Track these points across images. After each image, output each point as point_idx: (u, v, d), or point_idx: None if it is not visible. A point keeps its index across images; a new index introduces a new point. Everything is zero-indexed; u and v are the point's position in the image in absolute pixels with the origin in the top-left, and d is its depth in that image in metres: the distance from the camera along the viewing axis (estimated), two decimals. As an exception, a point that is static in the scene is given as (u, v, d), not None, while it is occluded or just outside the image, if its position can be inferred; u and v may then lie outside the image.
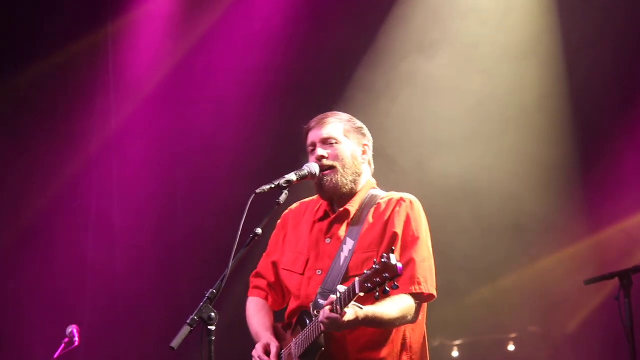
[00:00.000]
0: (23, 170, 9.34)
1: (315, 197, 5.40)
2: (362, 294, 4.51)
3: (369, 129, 5.35)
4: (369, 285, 4.47)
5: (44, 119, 9.33)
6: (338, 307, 4.60)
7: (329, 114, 5.31)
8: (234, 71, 9.17)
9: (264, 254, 5.53)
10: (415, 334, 5.07)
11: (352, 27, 8.89)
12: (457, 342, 8.81)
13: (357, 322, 4.69)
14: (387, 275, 4.44)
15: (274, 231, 5.51)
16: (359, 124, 5.32)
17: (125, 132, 9.34)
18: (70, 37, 9.29)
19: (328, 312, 4.62)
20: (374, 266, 4.48)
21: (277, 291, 5.45)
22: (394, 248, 4.61)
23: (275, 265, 5.42)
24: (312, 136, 5.25)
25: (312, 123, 5.28)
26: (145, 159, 9.31)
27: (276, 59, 9.08)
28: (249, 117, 9.07)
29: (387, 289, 4.46)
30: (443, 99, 8.71)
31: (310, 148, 5.25)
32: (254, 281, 5.54)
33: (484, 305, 8.64)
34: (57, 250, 9.27)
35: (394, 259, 4.45)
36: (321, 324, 4.69)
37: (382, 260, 4.47)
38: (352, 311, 4.64)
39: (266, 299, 5.45)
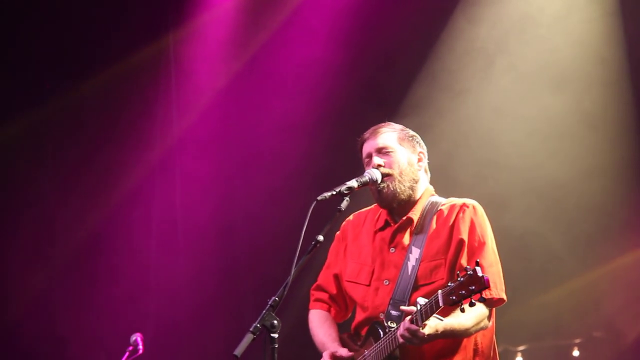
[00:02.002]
0: (88, 178, 9.43)
1: (372, 207, 5.41)
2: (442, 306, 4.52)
3: (426, 144, 5.35)
4: (454, 297, 4.46)
5: (107, 128, 9.43)
6: (419, 320, 4.59)
7: (381, 124, 5.31)
8: (294, 80, 9.17)
9: (324, 266, 5.53)
10: (486, 338, 5.06)
11: (411, 41, 8.84)
12: (521, 348, 8.73)
13: (436, 335, 4.68)
14: (473, 287, 4.42)
15: (333, 243, 5.50)
16: (412, 133, 5.32)
17: (186, 141, 9.39)
18: (134, 47, 9.37)
19: (408, 324, 4.61)
20: (459, 279, 4.46)
21: (340, 303, 5.44)
22: (478, 260, 4.57)
23: (337, 277, 5.41)
24: (367, 147, 5.25)
25: (366, 134, 5.29)
26: (206, 167, 9.35)
27: (335, 69, 9.05)
28: (308, 125, 9.05)
29: (474, 301, 4.44)
30: (502, 117, 8.63)
31: (367, 159, 5.25)
32: (315, 294, 5.53)
33: (547, 310, 8.56)
34: (121, 259, 9.34)
35: (479, 271, 4.42)
36: (400, 337, 4.68)
37: (468, 272, 4.45)
38: (433, 324, 4.63)
39: (328, 311, 5.44)
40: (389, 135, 5.22)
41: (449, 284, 4.49)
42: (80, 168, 9.45)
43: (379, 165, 5.14)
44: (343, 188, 4.93)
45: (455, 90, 8.75)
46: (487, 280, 4.42)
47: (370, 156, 5.22)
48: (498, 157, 8.60)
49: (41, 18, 9.27)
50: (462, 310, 4.52)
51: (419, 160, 5.25)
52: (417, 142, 5.29)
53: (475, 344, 5.02)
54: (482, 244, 5.00)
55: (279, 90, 9.21)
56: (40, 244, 9.38)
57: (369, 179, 5.07)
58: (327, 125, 9.02)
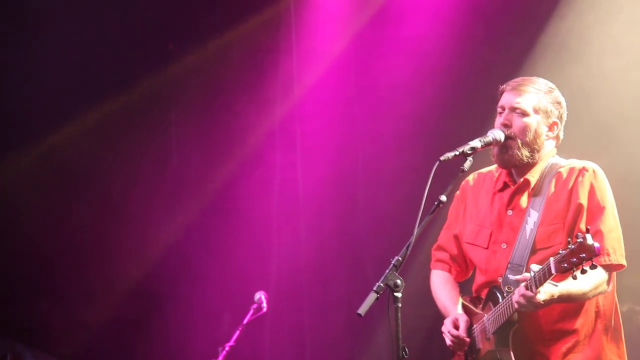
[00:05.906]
0: (211, 139, 9.59)
1: (493, 167, 5.37)
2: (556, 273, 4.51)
3: None
4: (565, 265, 4.43)
5: (229, 91, 9.53)
6: (533, 287, 4.60)
7: (527, 80, 5.17)
8: (420, 38, 8.89)
9: (444, 226, 5.55)
10: (608, 301, 5.03)
11: (524, 17, 8.51)
12: (646, 307, 8.57)
13: (552, 301, 4.69)
14: (584, 255, 4.39)
15: (453, 203, 5.50)
16: (555, 96, 5.17)
17: (307, 102, 9.37)
18: (255, 8, 9.40)
19: (524, 290, 4.63)
20: (570, 246, 4.42)
21: (461, 263, 5.48)
22: (588, 227, 4.55)
23: (457, 238, 5.44)
24: (504, 99, 5.16)
25: (509, 85, 5.17)
26: (326, 126, 9.30)
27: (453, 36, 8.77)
28: (431, 83, 8.78)
29: (586, 268, 4.41)
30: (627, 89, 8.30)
31: (499, 110, 5.17)
32: (436, 254, 5.57)
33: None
34: (244, 220, 9.45)
35: (590, 239, 4.40)
36: (516, 304, 4.70)
37: (578, 240, 4.41)
38: (548, 290, 4.64)
39: (450, 271, 5.49)
40: (529, 97, 5.09)
41: (560, 252, 4.47)
42: (202, 129, 9.60)
43: (506, 125, 5.10)
44: (466, 148, 4.90)
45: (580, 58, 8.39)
46: (597, 248, 4.39)
47: (503, 109, 5.15)
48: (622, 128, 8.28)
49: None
50: (574, 278, 4.48)
51: (550, 129, 5.15)
52: (557, 107, 5.14)
53: (597, 307, 5.00)
54: (601, 209, 4.93)
55: (398, 51, 9.02)
56: (164, 202, 9.60)
57: (492, 138, 5.02)
58: (451, 81, 8.75)
